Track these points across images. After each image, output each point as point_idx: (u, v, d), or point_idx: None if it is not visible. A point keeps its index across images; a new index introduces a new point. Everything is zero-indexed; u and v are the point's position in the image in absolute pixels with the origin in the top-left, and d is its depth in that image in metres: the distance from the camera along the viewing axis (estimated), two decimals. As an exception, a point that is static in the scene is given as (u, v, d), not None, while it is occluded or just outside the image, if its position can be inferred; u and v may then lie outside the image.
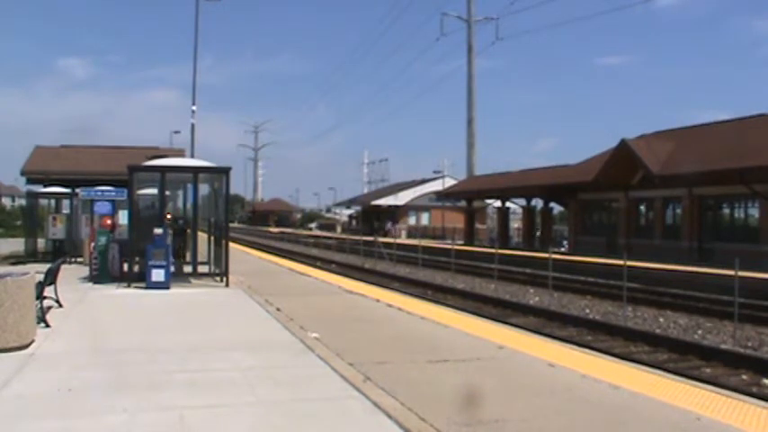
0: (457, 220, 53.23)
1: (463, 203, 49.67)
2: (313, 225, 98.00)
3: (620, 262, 18.02)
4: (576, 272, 24.16)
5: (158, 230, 13.70)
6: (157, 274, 13.24)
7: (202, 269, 16.11)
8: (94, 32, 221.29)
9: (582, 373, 6.63)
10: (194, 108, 31.14)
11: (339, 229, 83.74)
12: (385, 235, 41.34)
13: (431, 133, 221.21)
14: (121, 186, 18.42)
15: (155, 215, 15.21)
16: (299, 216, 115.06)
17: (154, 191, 16.51)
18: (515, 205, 43.41)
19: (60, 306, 10.39)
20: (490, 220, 57.98)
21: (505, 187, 40.64)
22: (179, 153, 29.38)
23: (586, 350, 8.61)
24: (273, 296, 12.47)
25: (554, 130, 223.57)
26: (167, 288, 13.21)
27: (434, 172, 67.69)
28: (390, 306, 11.60)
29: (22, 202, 59.17)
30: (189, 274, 15.81)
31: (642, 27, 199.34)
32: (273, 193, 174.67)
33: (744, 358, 10.94)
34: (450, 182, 61.22)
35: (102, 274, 14.77)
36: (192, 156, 28.34)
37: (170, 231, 14.55)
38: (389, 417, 5.07)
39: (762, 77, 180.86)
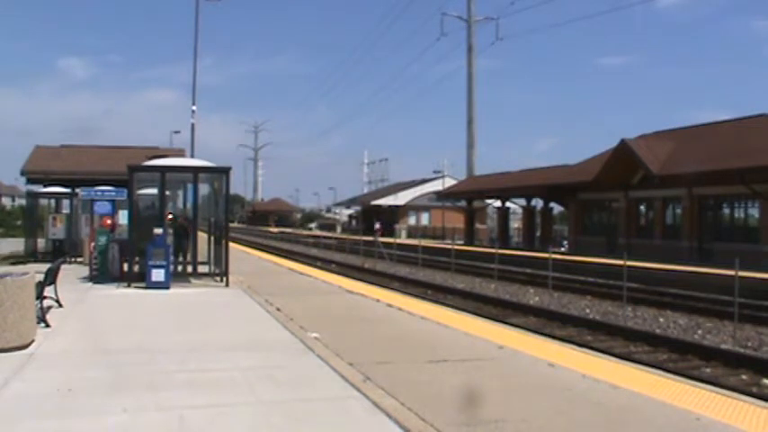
0: (457, 220, 53.19)
1: (463, 203, 49.65)
2: (313, 225, 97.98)
3: (620, 262, 18.04)
4: (576, 272, 24.16)
5: (158, 230, 13.69)
6: (157, 274, 13.24)
7: (202, 269, 16.11)
8: (94, 32, 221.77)
9: (582, 373, 6.63)
10: (194, 108, 31.18)
11: (339, 228, 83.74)
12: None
13: (431, 133, 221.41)
14: (121, 186, 18.43)
15: (155, 215, 15.22)
16: (299, 216, 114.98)
17: (154, 191, 16.51)
18: (515, 205, 43.38)
19: (60, 306, 10.39)
20: (490, 220, 57.95)
21: (505, 187, 40.64)
22: (179, 153, 29.38)
23: (586, 350, 8.61)
24: (273, 296, 12.47)
25: (554, 130, 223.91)
26: (167, 288, 13.20)
27: (434, 172, 67.49)
28: (390, 306, 11.59)
29: (22, 202, 59.10)
30: (189, 274, 15.84)
31: (642, 27, 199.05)
32: (273, 193, 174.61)
33: (744, 358, 10.95)
34: (450, 182, 61.12)
35: (102, 274, 14.78)
36: (192, 156, 28.34)
37: (170, 231, 14.56)
38: (389, 417, 5.07)
39: (762, 77, 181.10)
